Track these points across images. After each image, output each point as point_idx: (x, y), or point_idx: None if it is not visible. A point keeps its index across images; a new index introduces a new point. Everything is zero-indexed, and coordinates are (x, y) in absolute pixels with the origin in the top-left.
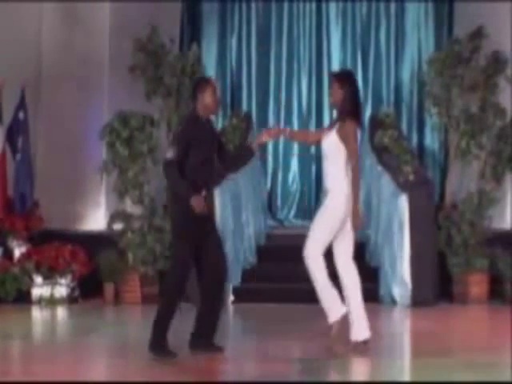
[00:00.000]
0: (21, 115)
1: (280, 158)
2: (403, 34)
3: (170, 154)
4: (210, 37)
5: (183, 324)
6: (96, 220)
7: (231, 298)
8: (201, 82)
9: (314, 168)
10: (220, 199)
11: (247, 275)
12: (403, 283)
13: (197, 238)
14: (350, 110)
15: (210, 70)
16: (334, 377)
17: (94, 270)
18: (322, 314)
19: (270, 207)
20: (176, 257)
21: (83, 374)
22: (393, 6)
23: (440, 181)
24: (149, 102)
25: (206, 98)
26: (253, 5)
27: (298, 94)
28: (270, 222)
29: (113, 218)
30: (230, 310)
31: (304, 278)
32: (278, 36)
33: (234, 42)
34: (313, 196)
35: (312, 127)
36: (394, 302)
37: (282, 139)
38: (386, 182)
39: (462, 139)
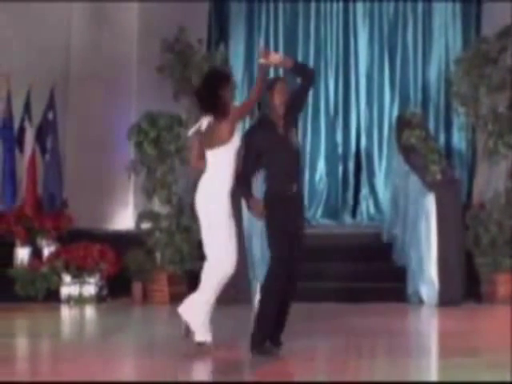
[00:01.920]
0: (50, 115)
1: (307, 158)
2: (430, 33)
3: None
4: (238, 37)
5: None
6: (124, 219)
7: (258, 296)
8: (270, 82)
9: (340, 168)
10: None
11: None
12: (430, 283)
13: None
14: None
15: (238, 70)
16: (358, 376)
17: (122, 269)
18: (348, 312)
19: None
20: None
21: (111, 374)
22: (420, 5)
23: (467, 180)
24: (176, 102)
25: (275, 98)
26: (280, 5)
27: (326, 94)
28: None
29: (141, 218)
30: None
31: (332, 276)
32: (305, 36)
33: (261, 42)
34: (340, 196)
35: (339, 127)
36: (421, 301)
37: (309, 139)
38: (414, 182)
39: (489, 139)
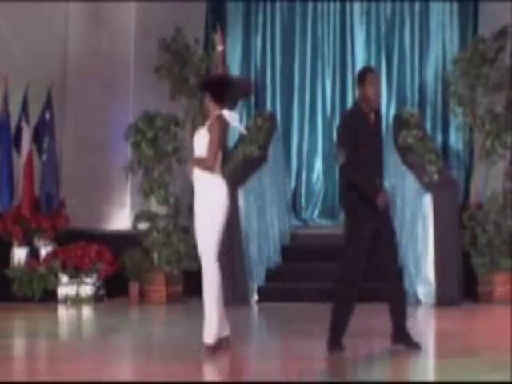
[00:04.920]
0: (47, 115)
1: (304, 157)
2: (428, 33)
3: (340, 159)
4: (235, 37)
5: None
6: (121, 219)
7: (255, 297)
8: (361, 72)
9: (337, 168)
10: (244, 199)
11: (272, 275)
12: (427, 283)
13: (374, 226)
14: None
15: (235, 69)
16: (357, 376)
17: (119, 269)
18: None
19: (295, 207)
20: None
21: (108, 374)
22: (417, 5)
23: (465, 180)
24: (174, 102)
25: (367, 90)
26: (277, 5)
27: (323, 94)
28: (295, 222)
29: (138, 218)
30: (254, 309)
31: (328, 277)
32: (302, 36)
33: (258, 41)
34: (337, 195)
35: (336, 127)
36: (418, 301)
37: (306, 139)
38: (411, 182)
39: (486, 139)
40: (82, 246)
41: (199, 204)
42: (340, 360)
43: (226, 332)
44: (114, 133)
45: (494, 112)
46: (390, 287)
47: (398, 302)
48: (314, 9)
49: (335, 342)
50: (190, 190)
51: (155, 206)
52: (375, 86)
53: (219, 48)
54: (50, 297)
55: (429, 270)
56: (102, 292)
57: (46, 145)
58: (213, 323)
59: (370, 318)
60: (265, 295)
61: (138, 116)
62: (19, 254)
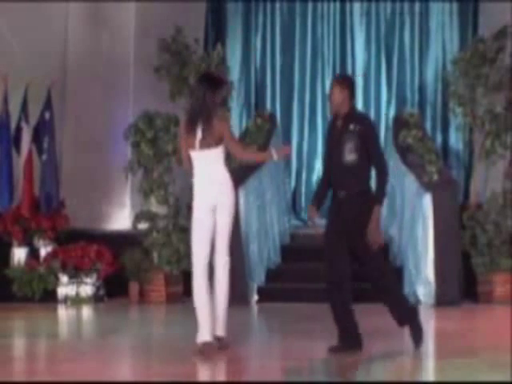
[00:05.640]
0: (47, 115)
1: (304, 158)
2: (428, 33)
3: None
4: (235, 37)
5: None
6: (121, 219)
7: (255, 297)
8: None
9: None
10: (244, 199)
11: (271, 275)
12: (427, 283)
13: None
14: None
15: (235, 70)
16: (356, 376)
17: (119, 269)
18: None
19: (294, 207)
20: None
21: (108, 374)
22: (417, 5)
23: (464, 181)
24: (173, 102)
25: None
26: (277, 5)
27: (322, 94)
28: (294, 222)
29: (138, 218)
30: (254, 309)
31: None
32: (302, 36)
33: (258, 42)
34: None
35: None
36: (418, 301)
37: (306, 139)
38: (410, 182)
39: (486, 139)
40: (81, 246)
41: None
42: (340, 360)
43: (217, 332)
44: (113, 133)
45: (493, 112)
46: (377, 287)
47: (392, 298)
48: (314, 9)
49: (343, 343)
50: (189, 190)
51: (155, 206)
52: (331, 92)
53: (275, 157)
54: (49, 297)
55: (429, 270)
56: (101, 292)
57: (45, 145)
58: (198, 323)
59: (370, 318)
60: (265, 295)
61: (138, 116)
62: (19, 254)
